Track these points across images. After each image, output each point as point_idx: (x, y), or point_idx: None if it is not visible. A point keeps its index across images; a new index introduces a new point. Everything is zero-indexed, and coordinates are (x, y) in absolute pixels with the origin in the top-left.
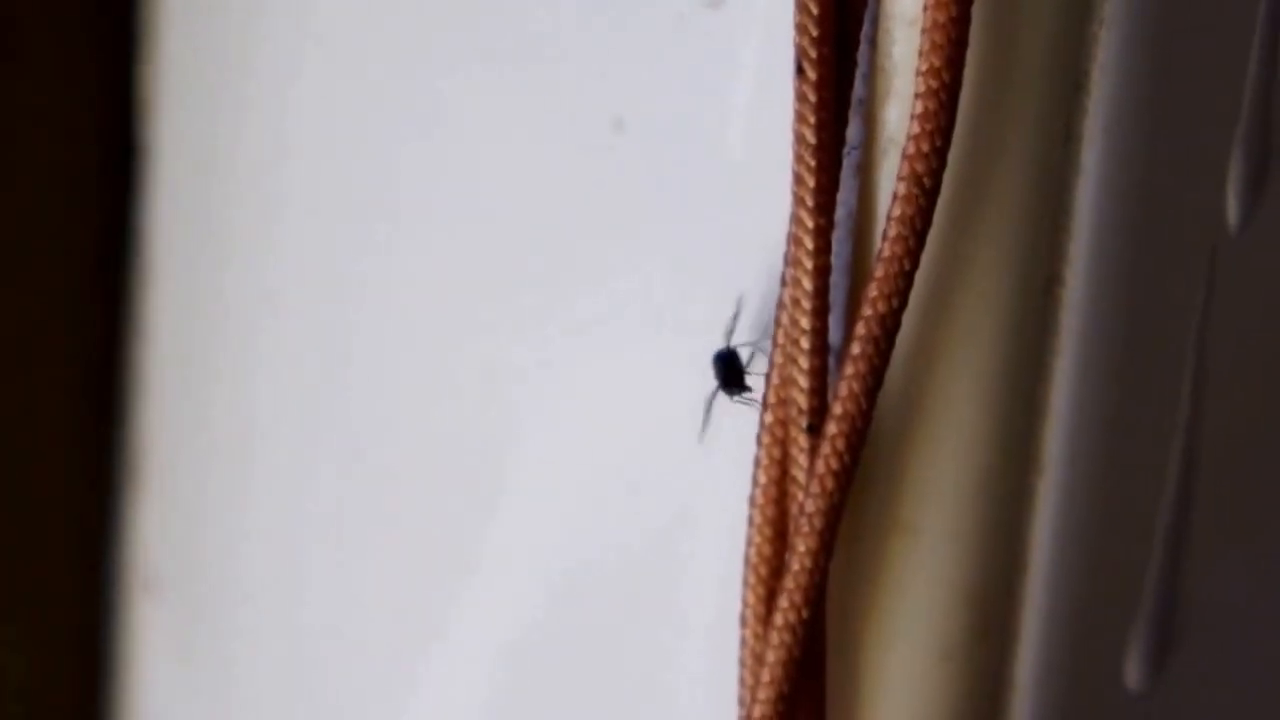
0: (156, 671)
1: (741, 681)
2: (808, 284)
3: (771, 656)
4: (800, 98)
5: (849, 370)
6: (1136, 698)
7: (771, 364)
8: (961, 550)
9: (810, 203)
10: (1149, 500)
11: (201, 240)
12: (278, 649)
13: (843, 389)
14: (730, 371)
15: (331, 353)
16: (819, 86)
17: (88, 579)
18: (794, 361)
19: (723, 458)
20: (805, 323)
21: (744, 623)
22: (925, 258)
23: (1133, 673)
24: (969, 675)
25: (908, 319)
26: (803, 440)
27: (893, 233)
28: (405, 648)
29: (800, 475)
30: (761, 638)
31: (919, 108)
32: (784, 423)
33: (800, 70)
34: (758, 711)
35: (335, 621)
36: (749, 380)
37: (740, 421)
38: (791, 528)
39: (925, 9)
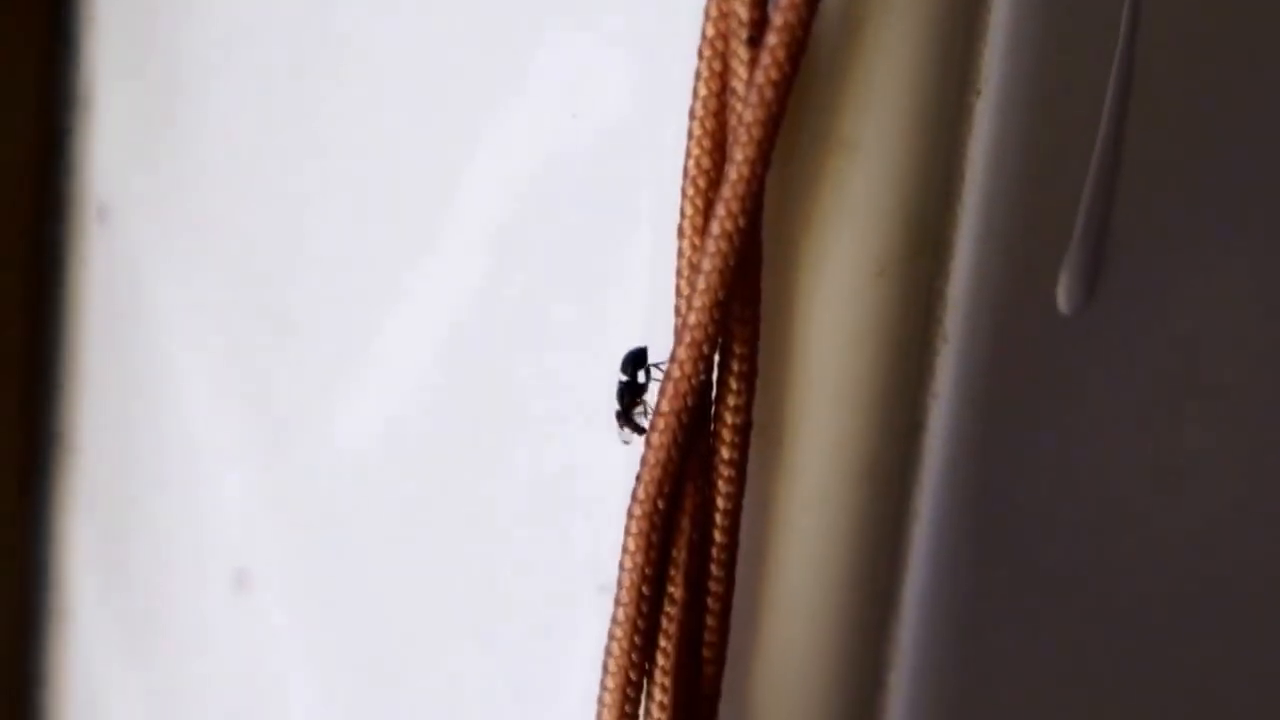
0: (109, 296)
1: (678, 292)
2: None
3: (708, 265)
4: None
5: None
6: (1067, 321)
7: None
8: (898, 167)
9: None
10: (1086, 124)
11: None
12: (234, 267)
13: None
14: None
15: None
16: None
17: (39, 208)
18: None
19: (666, 71)
20: None
21: (681, 234)
22: None
23: (1064, 296)
24: (903, 291)
25: None
26: (743, 52)
27: None
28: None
29: (740, 87)
30: (699, 248)
31: None
32: (724, 35)
33: None
34: (693, 319)
35: (287, 259)
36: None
37: (684, 42)
38: (730, 139)
39: None
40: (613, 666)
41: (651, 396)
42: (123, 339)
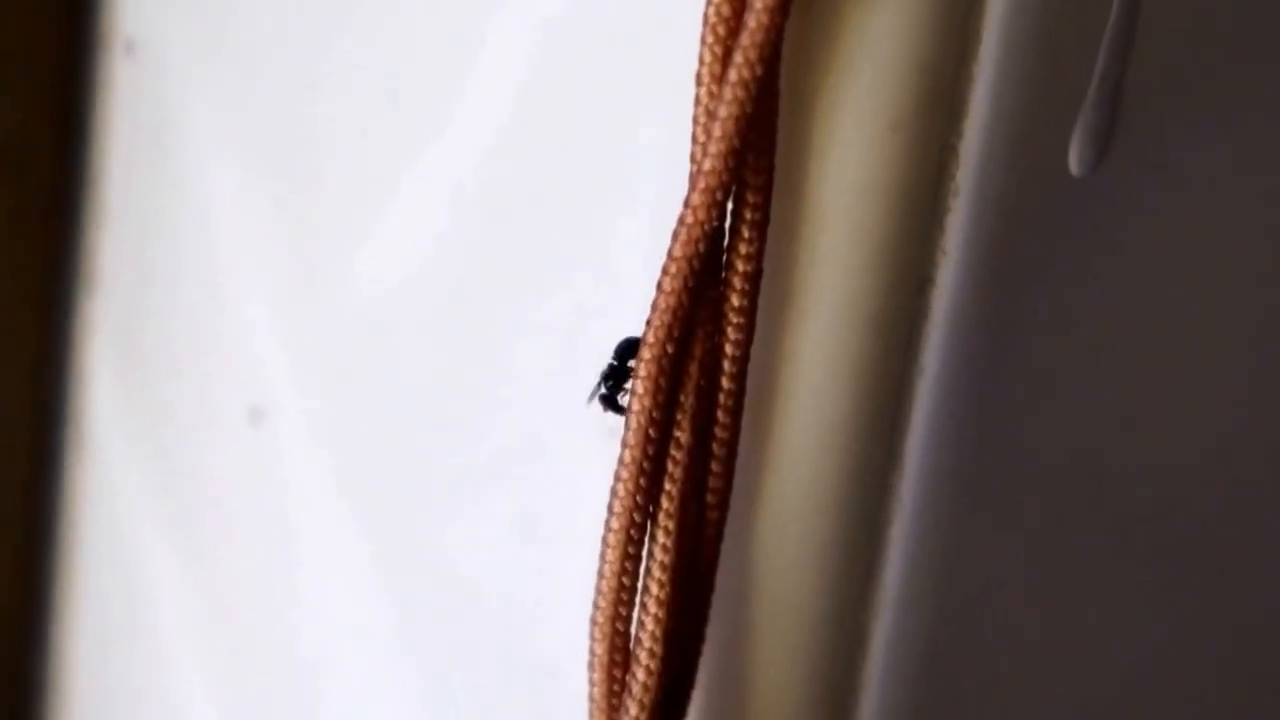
0: (134, 133)
1: (694, 138)
2: None
3: (724, 112)
4: None
5: None
6: (1078, 183)
7: None
8: (916, 20)
9: None
10: None
11: None
12: (263, 105)
13: None
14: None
15: None
16: None
17: (67, 42)
18: None
19: None
20: None
21: (699, 81)
22: None
23: (1076, 158)
24: (917, 145)
25: None
26: None
27: None
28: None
29: None
30: (716, 95)
31: None
32: None
33: None
34: (708, 165)
35: (316, 97)
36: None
37: None
38: None
39: None
40: (617, 508)
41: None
42: (148, 173)
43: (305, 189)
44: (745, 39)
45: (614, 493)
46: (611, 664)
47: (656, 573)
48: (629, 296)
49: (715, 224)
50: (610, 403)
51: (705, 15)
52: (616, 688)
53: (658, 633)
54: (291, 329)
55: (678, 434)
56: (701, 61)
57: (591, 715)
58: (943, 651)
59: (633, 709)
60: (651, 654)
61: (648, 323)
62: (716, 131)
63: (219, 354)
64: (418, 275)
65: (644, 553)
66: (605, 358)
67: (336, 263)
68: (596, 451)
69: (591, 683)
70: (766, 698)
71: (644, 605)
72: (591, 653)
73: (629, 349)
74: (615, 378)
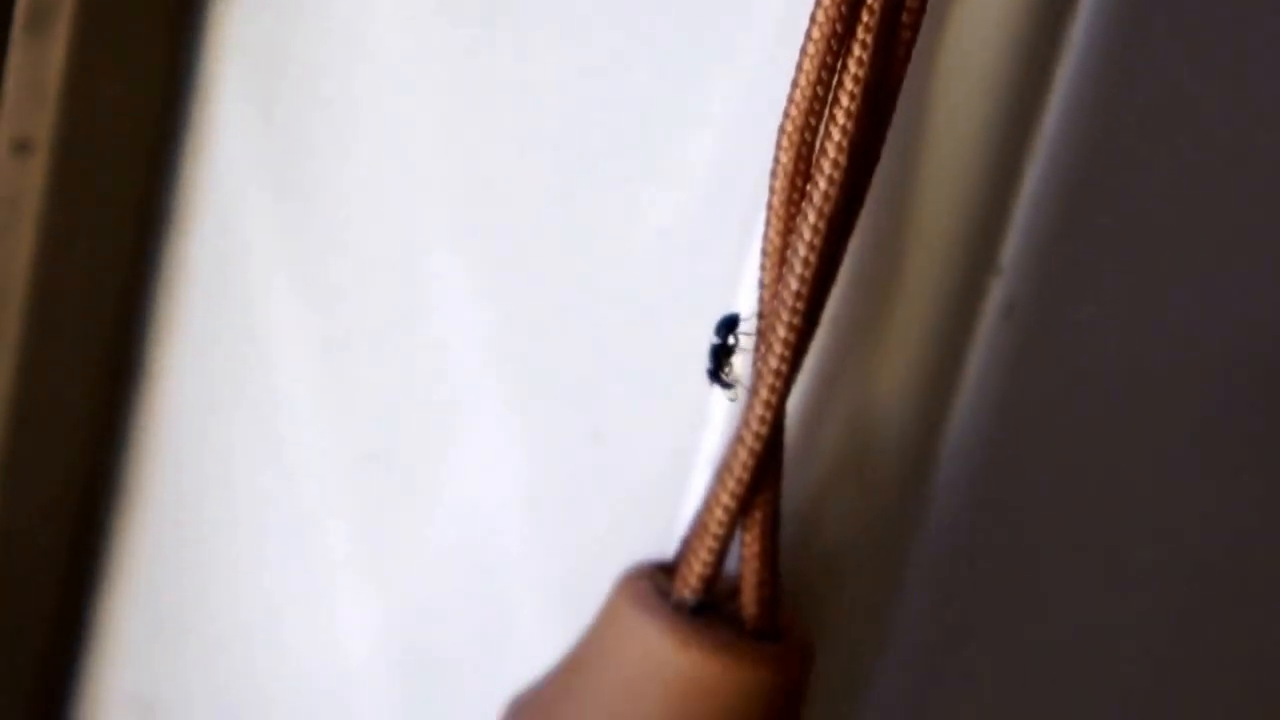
0: None
1: None
2: None
3: None
4: None
5: None
6: None
7: None
8: None
9: None
10: None
11: None
12: None
13: None
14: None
15: None
16: None
17: None
18: None
19: None
20: None
21: None
22: None
23: None
24: None
25: None
26: None
27: None
28: None
29: None
30: None
31: None
32: None
33: None
34: None
35: None
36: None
37: None
38: None
39: None
40: (820, 18)
41: (739, 360)
42: None
43: None
44: None
45: (818, 3)
46: (795, 172)
47: (849, 85)
48: None
49: None
50: (717, 379)
51: None
52: (797, 196)
53: (844, 144)
54: None
55: None
56: None
57: (769, 224)
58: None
59: (811, 216)
60: (836, 164)
61: None
62: None
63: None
64: None
65: (838, 64)
66: None
67: None
68: None
69: (772, 191)
70: (923, 224)
71: (833, 117)
72: (776, 160)
73: (729, 325)
74: (720, 355)
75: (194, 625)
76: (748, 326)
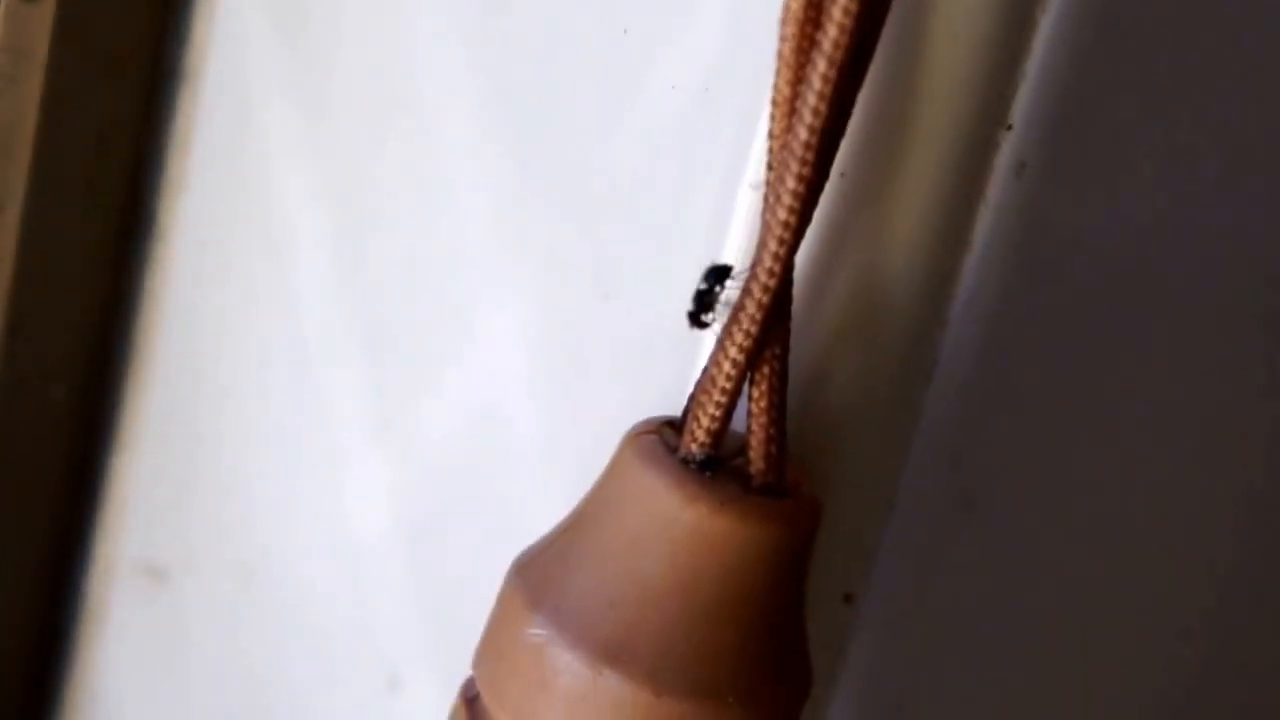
0: None
1: None
2: None
3: None
4: None
5: None
6: None
7: None
8: None
9: None
10: None
11: None
12: None
13: None
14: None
15: None
16: None
17: None
18: None
19: None
20: None
21: None
22: None
23: None
24: None
25: None
26: None
27: None
28: None
29: None
30: None
31: None
32: None
33: None
34: None
35: None
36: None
37: None
38: None
39: None
40: None
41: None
42: None
43: None
44: None
45: None
46: (806, 20)
47: None
48: None
49: None
50: (696, 320)
51: None
52: (807, 44)
53: None
54: None
55: None
56: None
57: (778, 74)
58: None
59: (822, 65)
60: (847, 11)
61: None
62: None
63: None
64: None
65: None
66: None
67: None
68: None
69: (782, 38)
70: (934, 76)
71: None
72: (786, 8)
73: (717, 274)
74: (701, 300)
75: (205, 491)
76: (737, 281)
